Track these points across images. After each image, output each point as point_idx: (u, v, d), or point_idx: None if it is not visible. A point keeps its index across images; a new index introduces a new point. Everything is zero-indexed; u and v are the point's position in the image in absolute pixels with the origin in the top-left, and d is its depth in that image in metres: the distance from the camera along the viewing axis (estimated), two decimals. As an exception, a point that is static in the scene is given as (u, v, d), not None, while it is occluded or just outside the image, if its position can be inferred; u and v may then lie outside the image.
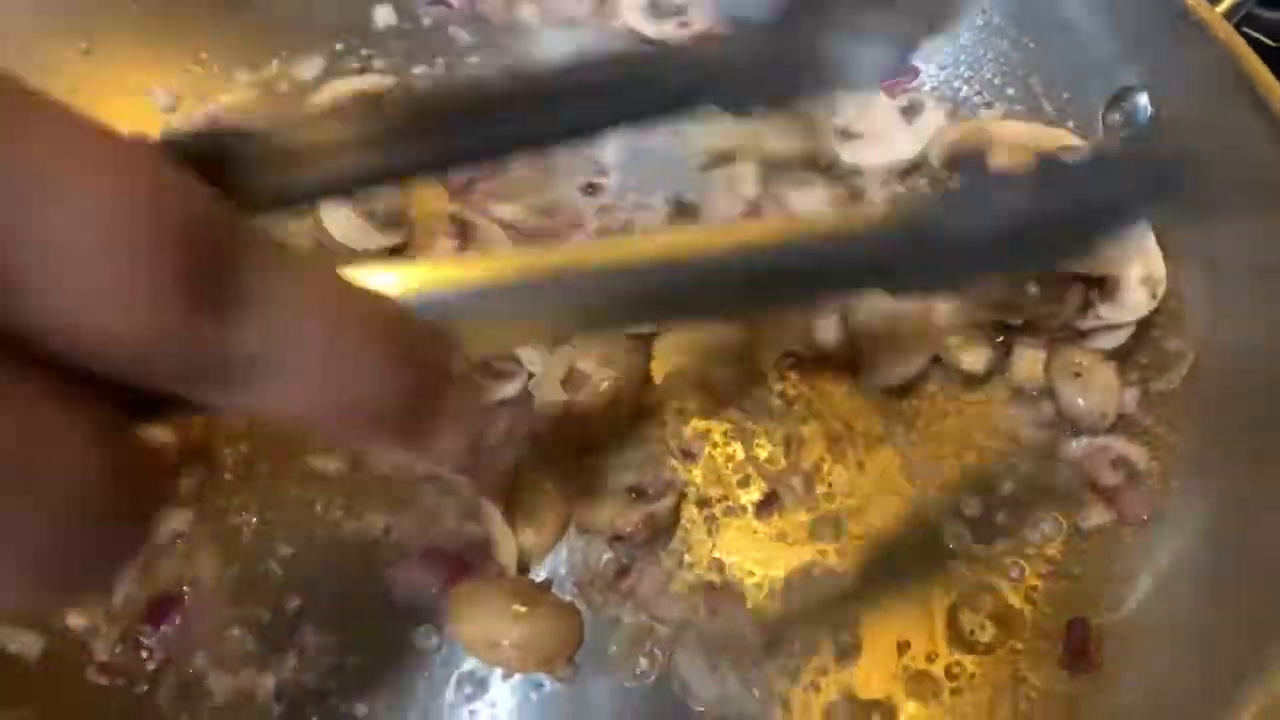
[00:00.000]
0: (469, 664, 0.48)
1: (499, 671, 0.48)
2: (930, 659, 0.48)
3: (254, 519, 0.52)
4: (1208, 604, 0.46)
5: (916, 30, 0.39)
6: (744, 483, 0.53)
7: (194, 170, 0.18)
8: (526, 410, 0.53)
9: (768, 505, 0.52)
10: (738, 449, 0.54)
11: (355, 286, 0.20)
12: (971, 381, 0.55)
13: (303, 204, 0.28)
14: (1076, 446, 0.53)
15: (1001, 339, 0.55)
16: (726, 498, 0.52)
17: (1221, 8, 0.53)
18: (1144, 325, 0.55)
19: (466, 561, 0.50)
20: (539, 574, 0.50)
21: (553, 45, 0.70)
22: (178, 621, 0.49)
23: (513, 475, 0.52)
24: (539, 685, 0.48)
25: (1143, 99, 0.57)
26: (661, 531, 0.51)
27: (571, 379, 0.52)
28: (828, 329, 0.55)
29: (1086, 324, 0.55)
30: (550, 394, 0.52)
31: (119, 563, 0.19)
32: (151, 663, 0.48)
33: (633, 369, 0.54)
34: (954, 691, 0.47)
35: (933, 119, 0.62)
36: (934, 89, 0.65)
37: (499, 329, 0.27)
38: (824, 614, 0.49)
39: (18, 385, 0.16)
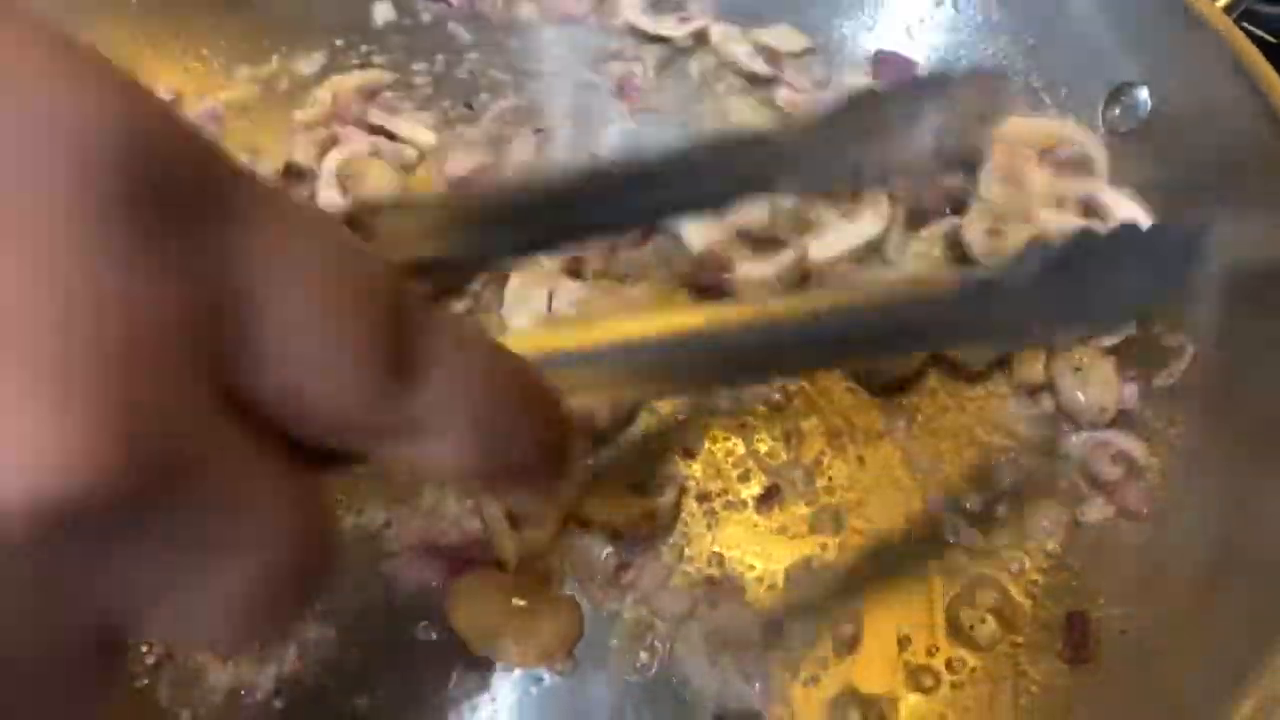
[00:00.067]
0: (469, 658, 0.48)
1: (499, 666, 0.48)
2: (931, 653, 0.48)
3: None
4: (1207, 599, 0.46)
5: (968, 125, 0.42)
6: (744, 477, 0.53)
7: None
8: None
9: (768, 500, 0.52)
10: (738, 444, 0.54)
11: (503, 349, 0.23)
12: (972, 377, 0.55)
13: None
14: (1076, 441, 0.53)
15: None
16: (726, 492, 0.52)
17: (1221, 2, 0.53)
18: (1143, 321, 0.55)
19: (466, 556, 0.50)
20: (539, 568, 0.50)
21: (552, 42, 0.70)
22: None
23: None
24: (539, 679, 0.48)
25: (1143, 94, 0.57)
26: (662, 526, 0.51)
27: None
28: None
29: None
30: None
31: (298, 612, 0.21)
32: (150, 657, 0.48)
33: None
34: (954, 685, 0.47)
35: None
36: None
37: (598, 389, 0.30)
38: (824, 608, 0.49)
39: (247, 450, 0.18)
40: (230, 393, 0.18)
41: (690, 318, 0.31)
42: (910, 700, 0.47)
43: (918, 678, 0.48)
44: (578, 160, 0.64)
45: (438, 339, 0.20)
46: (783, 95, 0.67)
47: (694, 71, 0.69)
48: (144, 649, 0.48)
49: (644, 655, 0.48)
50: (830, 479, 0.53)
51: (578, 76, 0.69)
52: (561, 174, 0.38)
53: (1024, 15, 0.63)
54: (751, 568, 0.50)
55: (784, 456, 0.53)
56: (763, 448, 0.54)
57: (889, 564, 0.50)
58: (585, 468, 0.52)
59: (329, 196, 0.60)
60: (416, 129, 0.65)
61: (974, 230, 0.56)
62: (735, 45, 0.68)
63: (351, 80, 0.67)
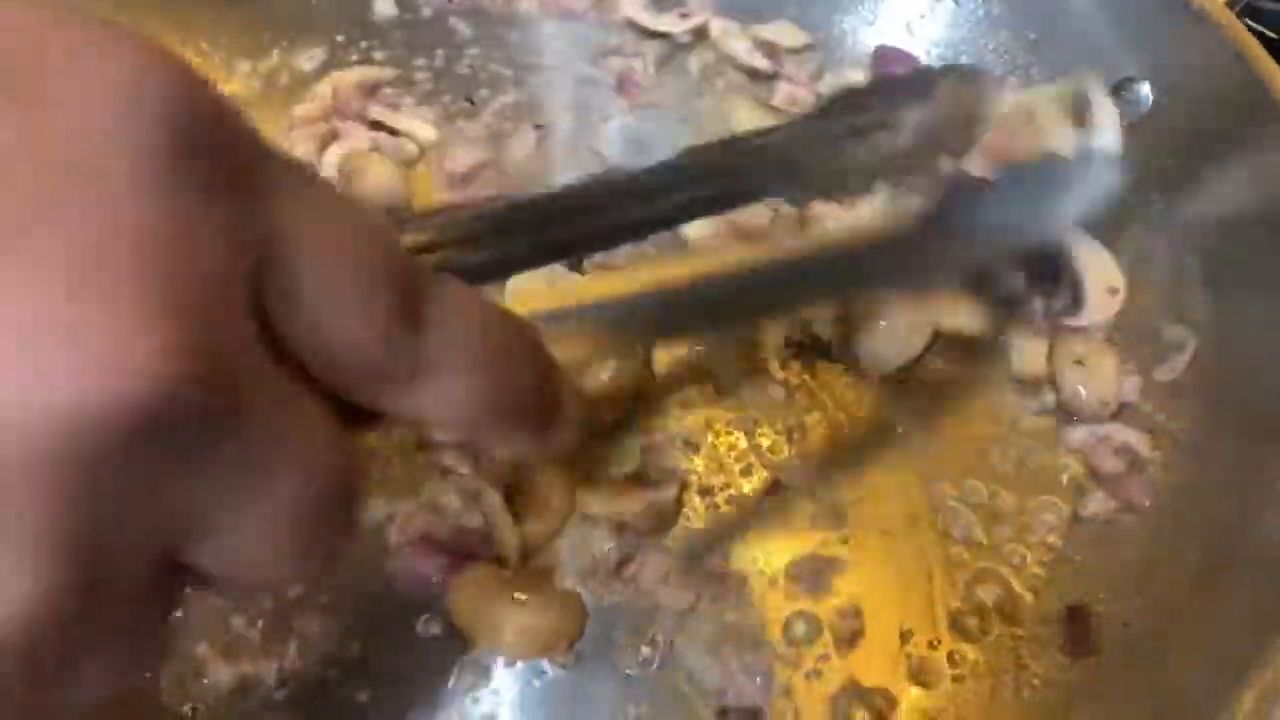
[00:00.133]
0: (471, 652, 0.48)
1: (501, 659, 0.48)
2: (932, 646, 0.48)
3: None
4: (1210, 592, 0.46)
5: (953, 136, 0.43)
6: (746, 471, 0.53)
7: None
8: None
9: (770, 494, 0.52)
10: (740, 438, 0.54)
11: (494, 303, 0.25)
12: (972, 351, 0.55)
13: None
14: (1078, 435, 0.53)
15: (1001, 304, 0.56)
16: (729, 486, 0.52)
17: (1223, -3, 0.54)
18: (1146, 314, 0.55)
19: (468, 549, 0.50)
20: (541, 562, 0.50)
21: (552, 38, 0.70)
22: (178, 611, 0.49)
23: (514, 464, 0.52)
24: (541, 673, 0.48)
25: (1144, 89, 0.57)
26: (664, 520, 0.51)
27: (575, 367, 0.52)
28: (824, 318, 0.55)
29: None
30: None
31: (337, 547, 0.22)
32: (153, 651, 0.48)
33: (634, 358, 0.54)
34: (956, 679, 0.47)
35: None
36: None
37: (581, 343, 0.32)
38: (826, 602, 0.49)
39: (288, 385, 0.20)
40: (268, 332, 0.20)
41: (643, 275, 0.35)
42: (912, 694, 0.47)
43: (920, 671, 0.48)
44: (577, 156, 0.64)
45: (441, 293, 0.23)
46: (783, 91, 0.67)
47: (694, 67, 0.69)
48: (145, 643, 0.48)
49: (646, 649, 0.48)
50: (832, 474, 0.53)
51: (578, 72, 0.69)
52: (550, 192, 0.39)
53: (1025, 10, 0.63)
54: (753, 562, 0.50)
55: (786, 451, 0.53)
56: (765, 442, 0.54)
57: (891, 558, 0.50)
58: (582, 458, 0.52)
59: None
60: (417, 124, 0.65)
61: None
62: (735, 41, 0.68)
63: (352, 75, 0.67)
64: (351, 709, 0.47)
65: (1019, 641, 0.48)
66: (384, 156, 0.63)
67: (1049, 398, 0.54)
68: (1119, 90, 0.58)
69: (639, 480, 0.51)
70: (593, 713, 0.47)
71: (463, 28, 0.71)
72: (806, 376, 0.55)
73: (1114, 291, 0.56)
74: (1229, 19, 0.52)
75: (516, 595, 0.47)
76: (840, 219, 0.57)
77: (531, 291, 0.39)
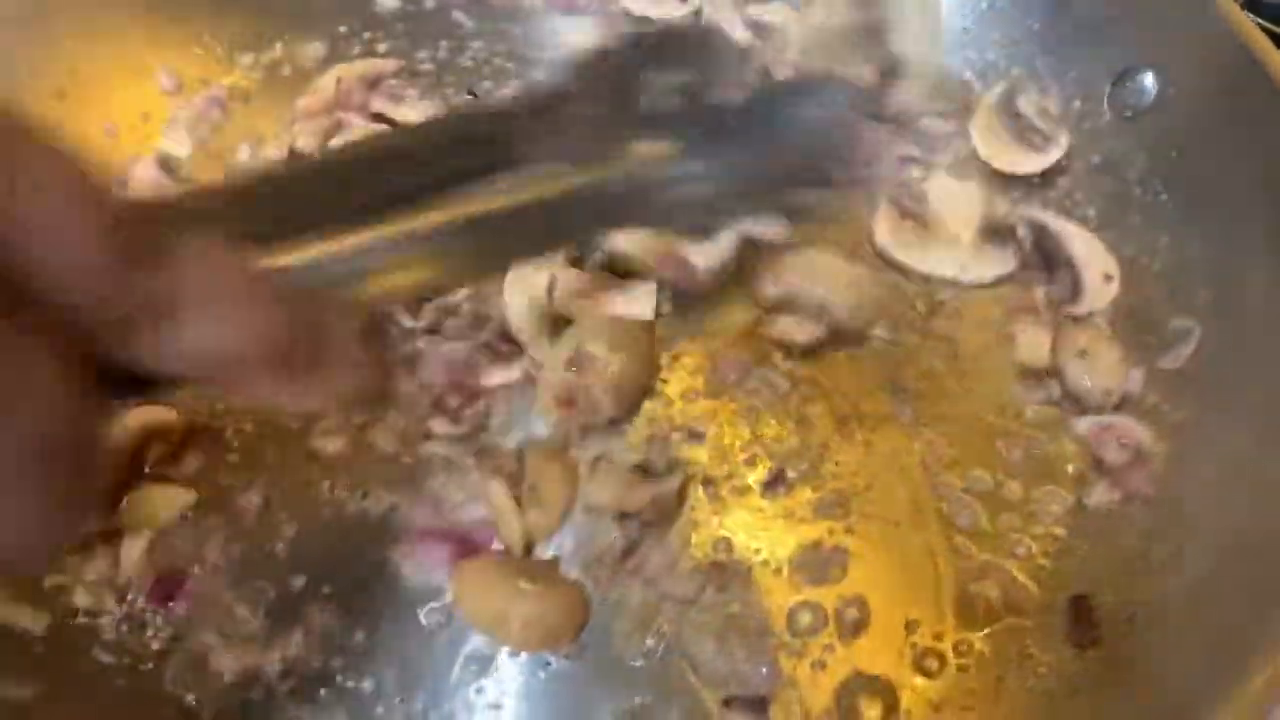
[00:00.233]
0: (475, 642, 0.48)
1: (505, 649, 0.48)
2: (938, 637, 0.48)
3: (259, 499, 0.52)
4: (1213, 582, 0.46)
5: (713, 93, 0.44)
6: (750, 462, 0.53)
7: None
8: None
9: (774, 484, 0.52)
10: (744, 429, 0.54)
11: (238, 255, 0.27)
12: (976, 342, 0.56)
13: None
14: (1082, 425, 0.53)
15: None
16: (733, 477, 0.52)
17: (1227, -14, 0.53)
18: (1149, 304, 0.55)
19: (472, 540, 0.50)
20: (545, 552, 0.50)
21: (554, 29, 0.70)
22: (184, 601, 0.49)
23: (519, 455, 0.52)
24: (545, 664, 0.48)
25: (1148, 78, 0.57)
26: (668, 510, 0.51)
27: (579, 361, 0.52)
28: (804, 327, 0.55)
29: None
30: (556, 376, 0.52)
31: (69, 522, 0.24)
32: (157, 641, 0.48)
33: (639, 351, 0.54)
34: (961, 669, 0.47)
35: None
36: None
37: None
38: (831, 592, 0.49)
39: (15, 340, 0.22)
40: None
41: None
42: (917, 684, 0.47)
43: (924, 661, 0.47)
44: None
45: (175, 243, 0.25)
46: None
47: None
48: (149, 634, 0.48)
49: (650, 640, 0.48)
50: (837, 464, 0.53)
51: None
52: (296, 163, 0.39)
53: (1028, 1, 0.63)
54: (758, 552, 0.50)
55: (791, 442, 0.53)
56: (769, 433, 0.53)
57: (895, 548, 0.50)
58: (586, 449, 0.52)
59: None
60: (419, 116, 0.65)
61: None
62: (724, 16, 0.67)
63: (355, 68, 0.67)
64: (355, 699, 0.47)
65: (1024, 631, 0.48)
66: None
67: (1054, 388, 0.54)
68: (1123, 80, 0.58)
69: (643, 471, 0.51)
70: (597, 703, 0.47)
71: (465, 19, 0.70)
72: (811, 368, 0.55)
73: (1109, 278, 0.56)
74: (1233, 10, 0.52)
75: (521, 586, 0.47)
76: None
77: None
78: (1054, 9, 0.61)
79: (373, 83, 0.67)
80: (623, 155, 0.42)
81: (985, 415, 0.54)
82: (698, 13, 0.68)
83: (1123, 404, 0.53)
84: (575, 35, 0.69)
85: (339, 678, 0.47)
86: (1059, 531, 0.51)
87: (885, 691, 0.47)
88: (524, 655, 0.48)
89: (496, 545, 0.50)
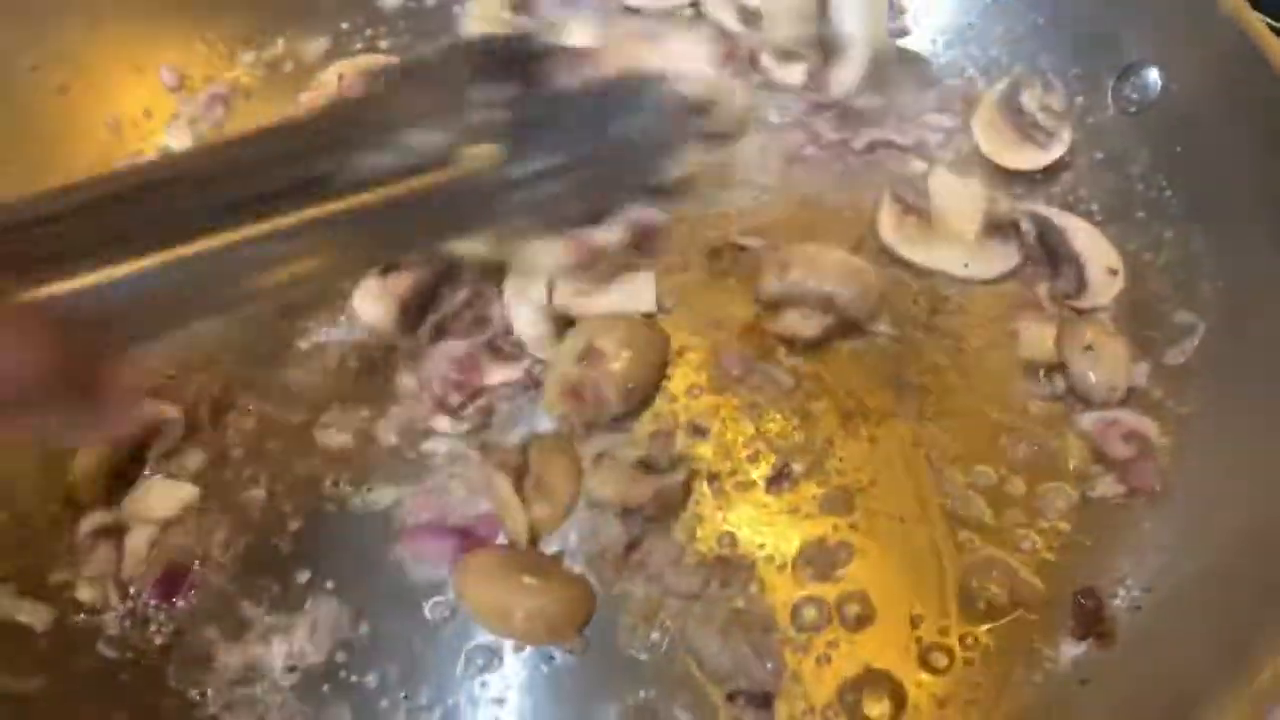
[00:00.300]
0: (480, 636, 0.48)
1: (510, 643, 0.48)
2: (943, 631, 0.48)
3: (262, 494, 0.52)
4: (1219, 575, 0.46)
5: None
6: (754, 458, 0.53)
7: None
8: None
9: (778, 480, 0.52)
10: (748, 424, 0.54)
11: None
12: (981, 337, 0.56)
13: None
14: (1087, 420, 0.53)
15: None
16: (737, 472, 0.52)
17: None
18: (1154, 299, 0.55)
19: (476, 534, 0.50)
20: (549, 547, 0.50)
21: (555, 23, 0.70)
22: (188, 596, 0.49)
23: (522, 449, 0.52)
24: (550, 658, 0.47)
25: (1152, 73, 0.57)
26: (672, 506, 0.51)
27: (589, 356, 0.52)
28: (810, 321, 0.55)
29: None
30: (565, 370, 0.52)
31: None
32: (160, 636, 0.48)
33: (649, 349, 0.54)
34: (967, 663, 0.47)
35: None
36: (938, 69, 0.65)
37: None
38: (835, 587, 0.49)
39: None
40: None
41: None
42: (923, 678, 0.47)
43: (930, 656, 0.47)
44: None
45: None
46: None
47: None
48: (152, 629, 0.48)
49: (655, 634, 0.48)
50: (841, 459, 0.52)
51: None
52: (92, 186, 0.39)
53: (1033, -4, 0.63)
54: (762, 547, 0.50)
55: (795, 437, 0.53)
56: (773, 428, 0.53)
57: (900, 544, 0.50)
58: (591, 444, 0.52)
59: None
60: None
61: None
62: (717, 5, 0.68)
63: (357, 63, 0.67)
64: (359, 693, 0.46)
65: (1030, 625, 0.48)
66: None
67: (1059, 383, 0.54)
68: (1127, 76, 0.58)
69: (648, 466, 0.51)
70: (601, 697, 0.47)
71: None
72: (815, 364, 0.55)
73: (1114, 272, 0.56)
74: (1238, 6, 0.52)
75: (525, 580, 0.47)
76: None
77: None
78: (1057, 6, 0.61)
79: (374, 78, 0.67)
80: (453, 160, 0.43)
81: (989, 411, 0.54)
82: (695, 4, 0.68)
83: (1128, 398, 0.53)
84: (575, 28, 0.69)
85: (343, 672, 0.47)
86: (1064, 526, 0.50)
87: (890, 686, 0.47)
88: (528, 649, 0.48)
89: (500, 540, 0.50)
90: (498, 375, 0.54)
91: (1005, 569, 0.49)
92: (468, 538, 0.50)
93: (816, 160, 0.63)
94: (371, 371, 0.55)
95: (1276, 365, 0.49)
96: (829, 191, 0.62)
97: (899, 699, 0.46)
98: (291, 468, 0.52)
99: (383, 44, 0.69)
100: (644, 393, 0.54)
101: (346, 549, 0.50)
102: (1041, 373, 0.54)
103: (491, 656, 0.47)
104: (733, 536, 0.50)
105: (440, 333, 0.55)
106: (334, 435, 0.53)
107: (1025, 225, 0.58)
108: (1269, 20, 0.64)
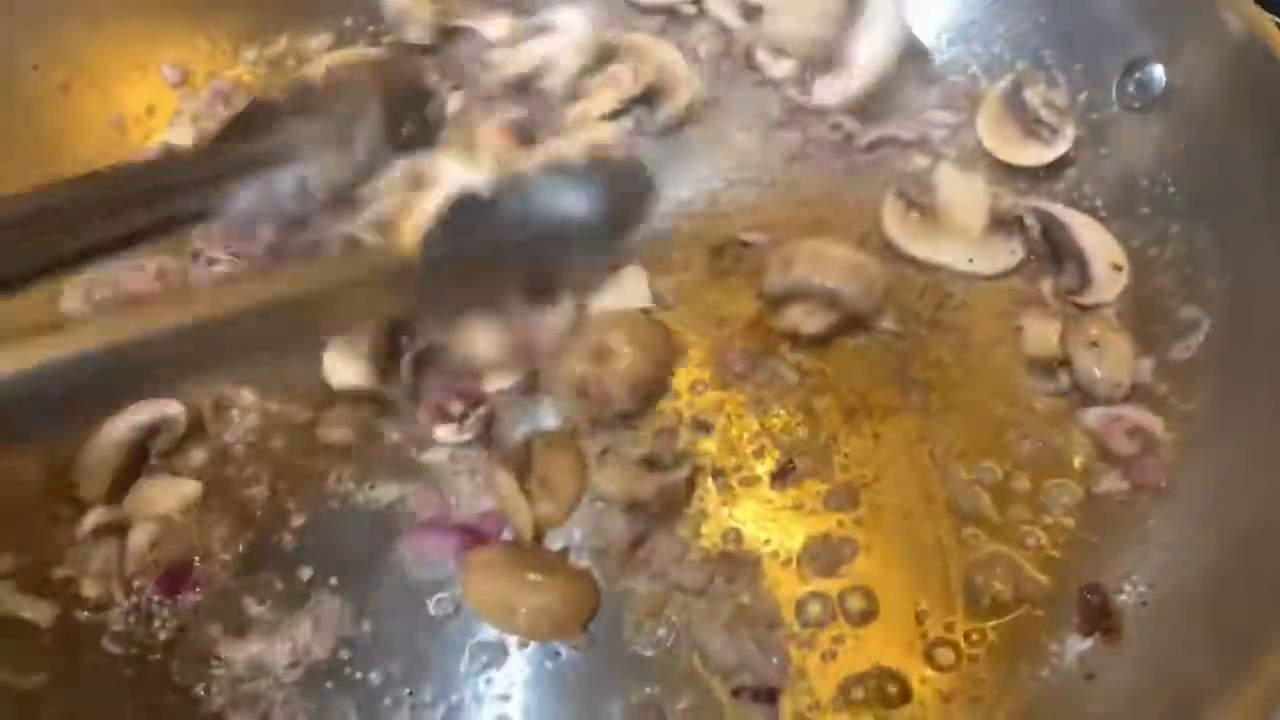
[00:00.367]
0: (485, 632, 0.48)
1: (515, 639, 0.48)
2: (948, 627, 0.48)
3: (266, 490, 0.51)
4: (1224, 570, 0.46)
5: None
6: (759, 453, 0.53)
7: None
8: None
9: (783, 475, 0.52)
10: (752, 420, 0.53)
11: None
12: (985, 333, 0.56)
13: None
14: (1092, 416, 0.52)
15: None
16: (741, 468, 0.52)
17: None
18: (1159, 295, 0.55)
19: (480, 531, 0.50)
20: (554, 543, 0.50)
21: (557, 17, 0.70)
22: (191, 592, 0.49)
23: (526, 446, 0.52)
24: (555, 654, 0.47)
25: (1158, 70, 0.56)
26: (676, 502, 0.50)
27: (597, 353, 0.52)
28: (814, 317, 0.55)
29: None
30: (572, 368, 0.52)
31: None
32: (165, 632, 0.48)
33: (655, 348, 0.54)
34: (972, 659, 0.47)
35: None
36: (941, 65, 0.65)
37: None
38: (840, 582, 0.49)
39: None
40: None
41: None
42: (928, 674, 0.47)
43: (935, 652, 0.47)
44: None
45: None
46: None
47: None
48: (156, 625, 0.48)
49: (660, 630, 0.48)
50: (846, 455, 0.52)
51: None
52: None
53: (1037, -8, 0.63)
54: (767, 543, 0.50)
55: (799, 433, 0.53)
56: (777, 424, 0.53)
57: (905, 539, 0.50)
58: (596, 440, 0.52)
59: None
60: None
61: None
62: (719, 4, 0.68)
63: (343, 56, 0.67)
64: (363, 689, 0.46)
65: (1035, 621, 0.48)
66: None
67: (1063, 379, 0.54)
68: (1131, 72, 0.58)
69: (652, 463, 0.51)
70: (606, 693, 0.46)
71: (470, 12, 0.70)
72: (819, 360, 0.55)
73: (1118, 267, 0.56)
74: (1243, 2, 0.52)
75: (529, 576, 0.47)
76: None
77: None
78: (1060, 2, 0.61)
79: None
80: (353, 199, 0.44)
81: (994, 407, 0.54)
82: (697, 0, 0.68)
83: (1132, 394, 0.53)
84: (575, 22, 0.69)
85: (346, 669, 0.47)
86: (1069, 522, 0.50)
87: (895, 682, 0.47)
88: (533, 645, 0.48)
89: (505, 536, 0.50)
90: (496, 382, 0.54)
91: (1010, 565, 0.49)
92: (471, 534, 0.49)
93: (820, 156, 0.63)
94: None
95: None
96: (832, 188, 0.62)
97: (904, 695, 0.46)
98: (294, 464, 0.52)
99: (386, 39, 0.69)
100: (651, 389, 0.54)
101: (350, 546, 0.50)
102: (1046, 369, 0.54)
103: (496, 653, 0.47)
104: (737, 532, 0.50)
105: (421, 364, 0.54)
106: (337, 432, 0.53)
107: (1029, 221, 0.58)
108: (1274, 19, 0.64)
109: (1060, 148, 0.60)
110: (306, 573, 0.49)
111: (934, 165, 0.61)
